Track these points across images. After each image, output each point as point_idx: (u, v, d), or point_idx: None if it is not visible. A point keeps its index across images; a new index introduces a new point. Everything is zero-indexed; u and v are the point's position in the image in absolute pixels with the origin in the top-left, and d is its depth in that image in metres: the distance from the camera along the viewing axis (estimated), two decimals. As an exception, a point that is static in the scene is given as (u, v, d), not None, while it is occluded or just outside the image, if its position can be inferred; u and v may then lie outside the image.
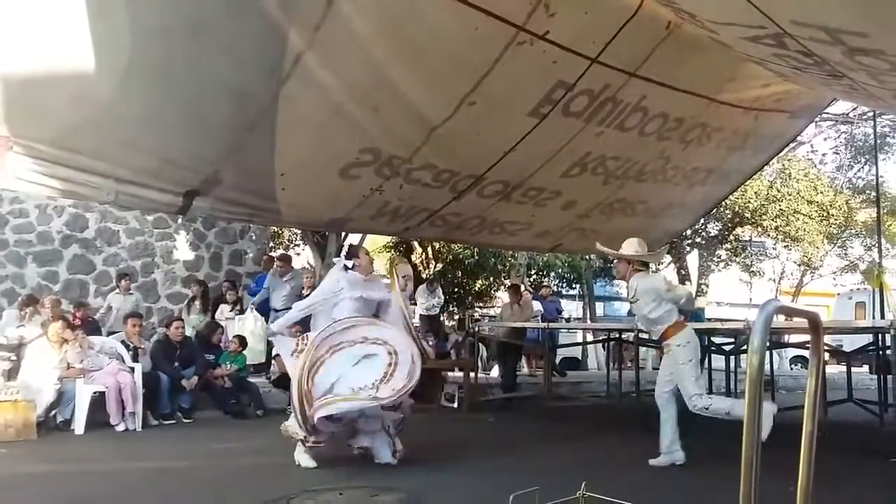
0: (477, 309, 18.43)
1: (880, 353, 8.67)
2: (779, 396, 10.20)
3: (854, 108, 16.56)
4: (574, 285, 21.42)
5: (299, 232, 17.50)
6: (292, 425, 5.37)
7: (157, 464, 5.81)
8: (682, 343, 5.58)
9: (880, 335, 8.39)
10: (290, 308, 9.64)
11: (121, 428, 7.23)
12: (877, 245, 13.85)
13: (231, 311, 10.60)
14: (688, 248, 19.04)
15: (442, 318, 14.25)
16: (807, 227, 17.61)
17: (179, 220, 12.08)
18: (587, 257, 16.93)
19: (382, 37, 5.05)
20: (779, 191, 17.69)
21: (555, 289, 18.89)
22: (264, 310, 10.34)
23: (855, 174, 19.74)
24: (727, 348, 9.54)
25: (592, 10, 5.20)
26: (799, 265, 20.92)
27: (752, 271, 20.61)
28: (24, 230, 11.33)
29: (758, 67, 5.67)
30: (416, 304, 12.97)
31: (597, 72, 5.85)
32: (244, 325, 10.08)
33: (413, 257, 17.75)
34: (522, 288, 12.84)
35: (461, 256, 17.70)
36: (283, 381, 8.22)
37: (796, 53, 4.13)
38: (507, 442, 6.91)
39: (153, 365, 8.01)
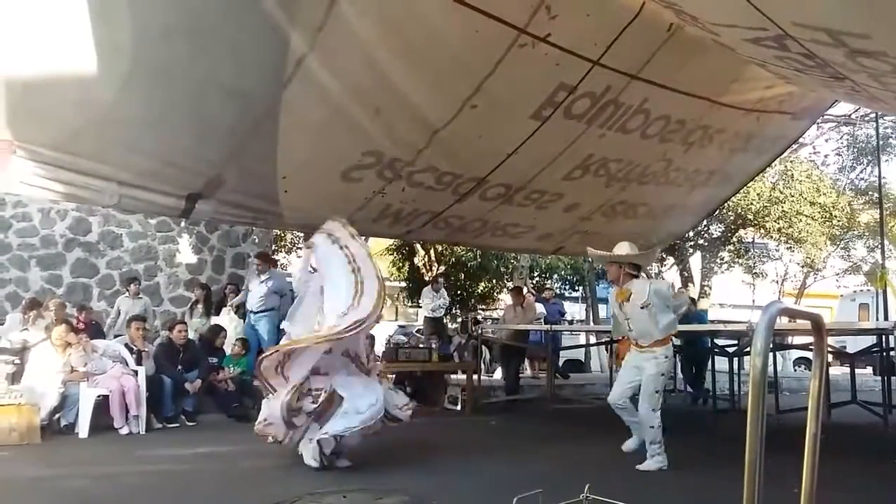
0: (480, 311, 18.41)
1: (884, 354, 8.66)
2: (782, 398, 10.20)
3: (856, 110, 16.51)
4: (577, 287, 21.39)
5: (302, 235, 17.51)
6: (273, 426, 5.38)
7: (160, 467, 5.81)
8: (668, 355, 5.68)
9: (884, 336, 8.38)
10: (267, 310, 9.67)
11: (124, 431, 7.23)
12: (880, 246, 13.83)
13: (234, 313, 10.53)
14: (690, 250, 19.00)
15: (445, 321, 14.22)
16: (809, 229, 17.56)
17: (182, 224, 12.09)
18: (590, 259, 16.91)
19: (384, 39, 5.06)
20: (781, 192, 17.66)
21: (557, 291, 18.86)
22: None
23: (857, 176, 19.75)
24: (730, 350, 9.53)
25: (594, 12, 5.20)
26: (802, 267, 20.89)
27: (755, 273, 20.56)
28: (28, 234, 11.35)
29: (760, 69, 5.67)
30: (420, 306, 12.95)
31: (599, 74, 5.85)
32: (224, 324, 9.74)
33: (416, 260, 17.75)
34: (525, 290, 12.81)
35: (464, 259, 17.69)
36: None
37: (798, 55, 4.13)
38: (510, 444, 6.90)
39: (156, 368, 8.01)
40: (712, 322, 12.57)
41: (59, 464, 5.86)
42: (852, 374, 9.66)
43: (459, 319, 16.18)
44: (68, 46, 4.46)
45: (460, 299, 17.88)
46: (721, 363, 9.86)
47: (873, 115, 13.71)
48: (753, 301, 21.08)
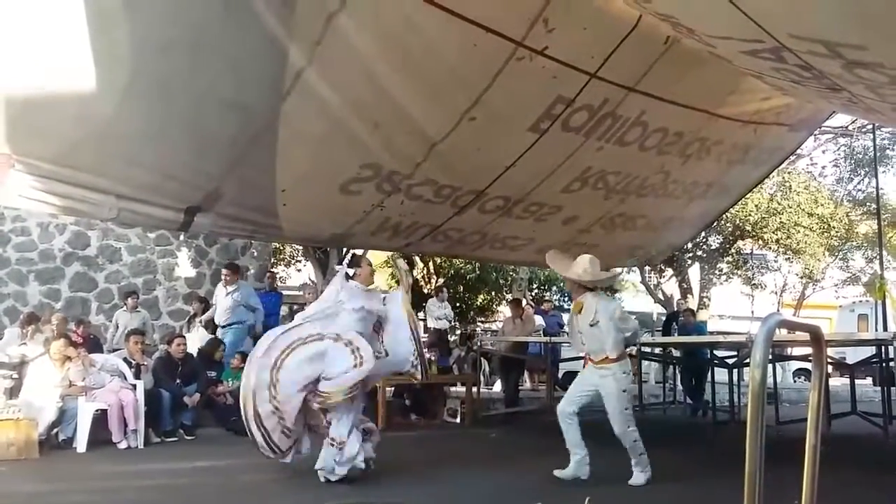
0: (479, 323, 18.41)
1: (883, 365, 8.66)
2: (782, 409, 10.18)
3: (853, 121, 16.61)
4: (576, 299, 21.35)
5: (301, 248, 17.54)
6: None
7: (159, 481, 5.78)
8: (627, 370, 5.55)
9: (883, 347, 8.38)
10: (234, 324, 9.55)
11: (123, 445, 7.20)
12: (878, 257, 13.86)
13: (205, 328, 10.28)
14: (689, 262, 19.04)
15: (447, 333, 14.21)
16: (808, 240, 17.61)
17: (181, 237, 12.11)
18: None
19: (382, 53, 5.07)
20: (779, 203, 17.72)
21: (556, 303, 18.85)
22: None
23: (855, 186, 19.83)
24: (730, 361, 9.53)
25: (591, 25, 5.22)
26: (800, 278, 20.91)
27: (754, 284, 20.59)
28: (26, 248, 11.36)
29: (757, 81, 5.69)
30: (425, 318, 12.93)
31: (596, 87, 5.86)
32: (192, 341, 9.46)
33: (415, 273, 17.75)
34: (524, 302, 12.82)
35: (463, 271, 17.72)
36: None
37: (795, 67, 4.15)
38: (510, 456, 6.89)
39: (155, 382, 7.98)
40: (711, 333, 12.59)
41: (58, 479, 5.84)
42: (852, 384, 9.65)
43: (459, 332, 16.19)
44: (68, 61, 4.47)
45: (459, 312, 17.89)
46: (720, 374, 9.86)
47: (870, 127, 13.74)
48: (752, 312, 21.06)
